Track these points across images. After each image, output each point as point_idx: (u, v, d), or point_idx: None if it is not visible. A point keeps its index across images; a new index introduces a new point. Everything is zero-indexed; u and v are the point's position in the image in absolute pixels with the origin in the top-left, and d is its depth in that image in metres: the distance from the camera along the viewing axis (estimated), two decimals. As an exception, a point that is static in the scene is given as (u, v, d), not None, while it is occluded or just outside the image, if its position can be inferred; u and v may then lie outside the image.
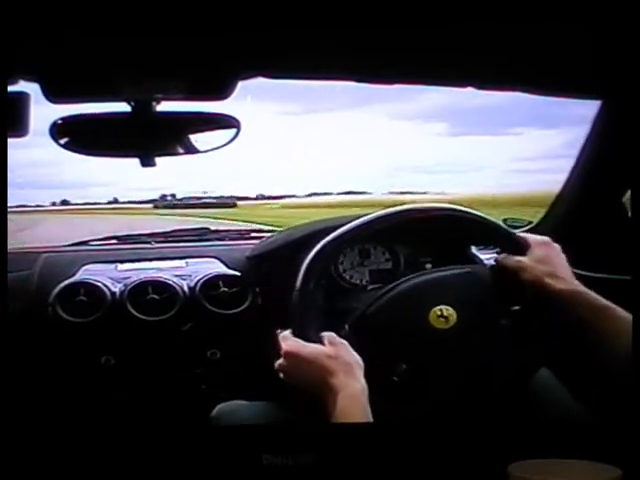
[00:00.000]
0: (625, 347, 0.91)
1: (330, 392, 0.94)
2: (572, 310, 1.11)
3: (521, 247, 1.19)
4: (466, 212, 1.22)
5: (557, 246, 1.19)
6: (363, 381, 0.97)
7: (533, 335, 1.18)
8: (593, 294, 1.11)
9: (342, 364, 0.98)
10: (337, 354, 0.99)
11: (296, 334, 1.04)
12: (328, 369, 0.97)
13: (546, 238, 1.23)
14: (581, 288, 1.12)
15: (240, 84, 0.96)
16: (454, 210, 1.21)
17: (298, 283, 1.08)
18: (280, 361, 1.03)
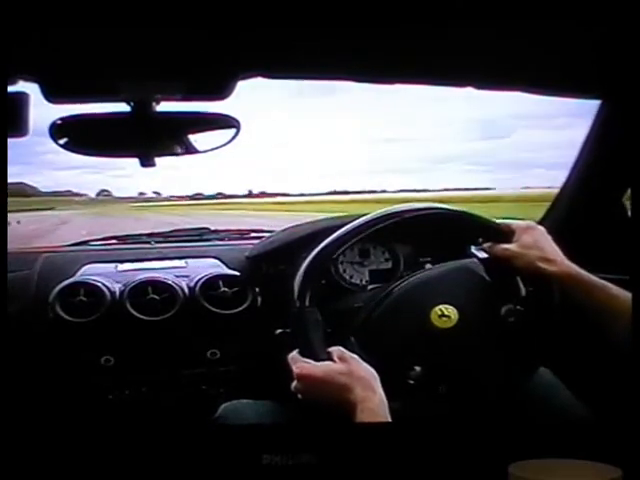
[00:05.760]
0: (624, 325, 0.91)
1: (349, 408, 0.94)
2: (568, 292, 1.11)
3: (506, 235, 1.19)
4: (448, 209, 1.22)
5: (542, 228, 1.19)
6: (381, 391, 0.96)
7: (535, 327, 1.18)
8: (587, 274, 1.11)
9: (356, 379, 0.97)
10: (349, 370, 0.99)
11: (304, 354, 1.04)
12: (344, 386, 0.96)
13: (530, 222, 1.23)
14: (575, 269, 1.12)
15: (239, 84, 0.96)
16: (435, 209, 1.20)
17: (295, 295, 1.08)
18: (294, 384, 1.03)
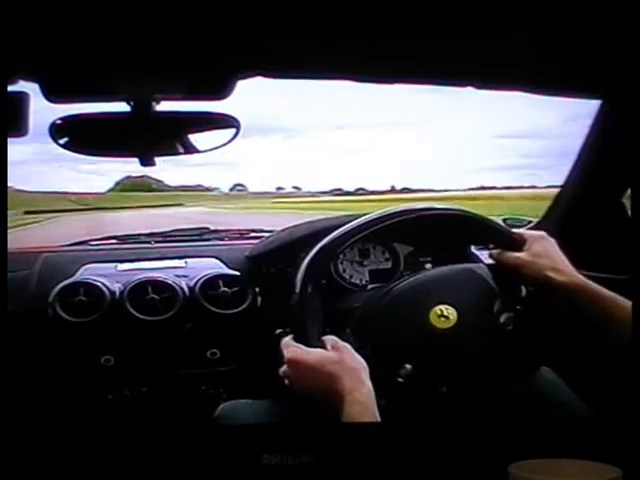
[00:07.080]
0: (630, 334, 0.91)
1: (337, 397, 0.94)
2: (576, 301, 1.13)
3: (517, 243, 1.19)
4: (461, 211, 1.22)
5: (552, 239, 1.20)
6: (369, 384, 0.96)
7: (534, 332, 1.18)
8: (594, 284, 1.13)
9: (347, 369, 0.97)
10: (341, 359, 0.99)
11: (298, 340, 1.04)
12: (333, 375, 0.96)
13: (542, 232, 1.24)
14: (583, 280, 1.14)
15: (239, 84, 0.96)
16: (436, 209, 1.20)
17: (296, 288, 1.08)
18: (284, 368, 1.03)
